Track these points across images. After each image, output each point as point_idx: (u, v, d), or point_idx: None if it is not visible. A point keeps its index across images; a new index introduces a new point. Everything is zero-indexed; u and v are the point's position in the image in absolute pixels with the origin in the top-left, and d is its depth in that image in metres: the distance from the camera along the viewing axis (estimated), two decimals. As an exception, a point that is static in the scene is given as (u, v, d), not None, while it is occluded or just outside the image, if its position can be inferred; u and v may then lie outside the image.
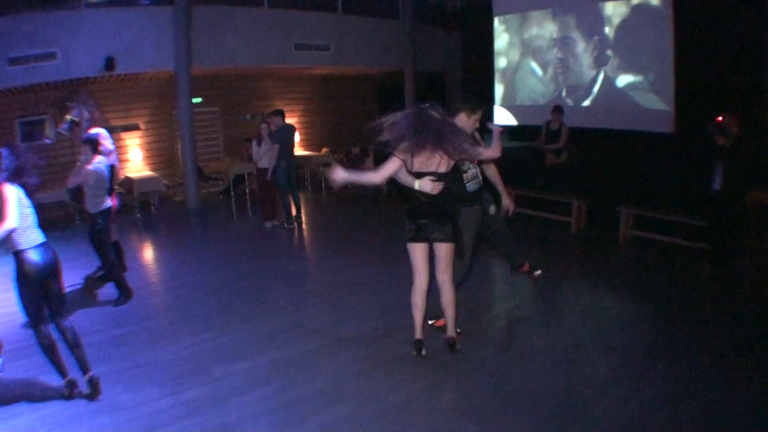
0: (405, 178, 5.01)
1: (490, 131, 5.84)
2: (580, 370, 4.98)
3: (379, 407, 4.50)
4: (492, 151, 5.50)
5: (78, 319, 6.36)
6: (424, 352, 5.25)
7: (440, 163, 4.90)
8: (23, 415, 4.59)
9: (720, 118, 7.19)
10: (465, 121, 5.38)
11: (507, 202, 6.36)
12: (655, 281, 7.25)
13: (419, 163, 4.89)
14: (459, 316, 5.59)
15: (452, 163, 4.99)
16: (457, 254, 5.49)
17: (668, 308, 6.34)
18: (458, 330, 5.56)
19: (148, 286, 8.08)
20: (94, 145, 7.10)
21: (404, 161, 4.89)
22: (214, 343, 5.85)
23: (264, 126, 10.89)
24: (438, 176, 4.92)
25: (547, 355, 5.35)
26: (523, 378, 4.89)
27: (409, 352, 5.36)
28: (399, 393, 4.71)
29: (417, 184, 4.94)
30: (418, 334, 5.31)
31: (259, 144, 10.85)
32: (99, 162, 6.97)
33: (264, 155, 10.77)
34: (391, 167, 4.90)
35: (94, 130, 7.67)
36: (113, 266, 7.28)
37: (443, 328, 5.44)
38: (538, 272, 7.09)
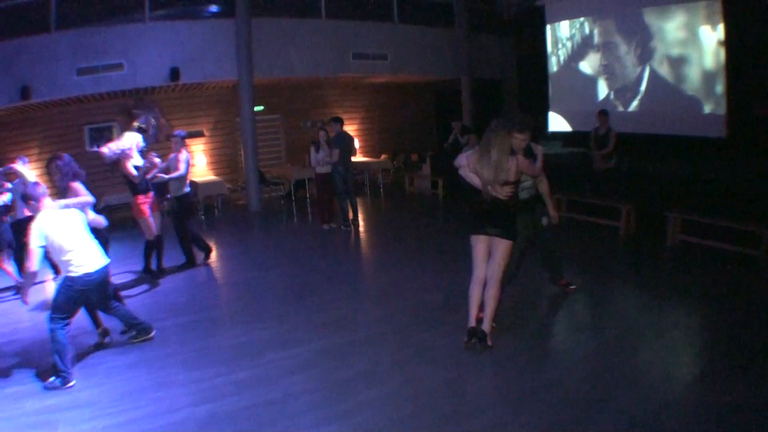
0: (474, 180, 5.39)
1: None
2: (611, 367, 5.12)
3: (414, 390, 4.82)
4: (534, 170, 5.82)
5: (143, 309, 7.03)
6: (473, 341, 5.48)
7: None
8: (87, 390, 5.16)
9: None
10: (517, 138, 5.63)
11: (554, 214, 6.44)
12: (700, 286, 7.22)
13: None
14: (498, 314, 5.79)
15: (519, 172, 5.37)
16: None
17: (709, 312, 6.39)
18: (494, 325, 5.79)
19: (209, 281, 8.72)
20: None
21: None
22: (266, 332, 6.30)
23: (322, 133, 11.26)
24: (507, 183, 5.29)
25: (581, 352, 5.54)
26: (554, 371, 5.13)
27: (448, 343, 5.68)
28: (434, 379, 5.02)
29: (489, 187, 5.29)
30: (472, 322, 5.56)
31: (317, 150, 11.24)
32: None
33: (322, 161, 11.20)
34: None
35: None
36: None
37: (480, 321, 5.66)
38: (573, 287, 7.08)
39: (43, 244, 5.17)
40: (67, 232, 5.31)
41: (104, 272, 5.57)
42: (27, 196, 5.36)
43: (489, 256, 5.50)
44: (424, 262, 8.79)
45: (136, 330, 6.11)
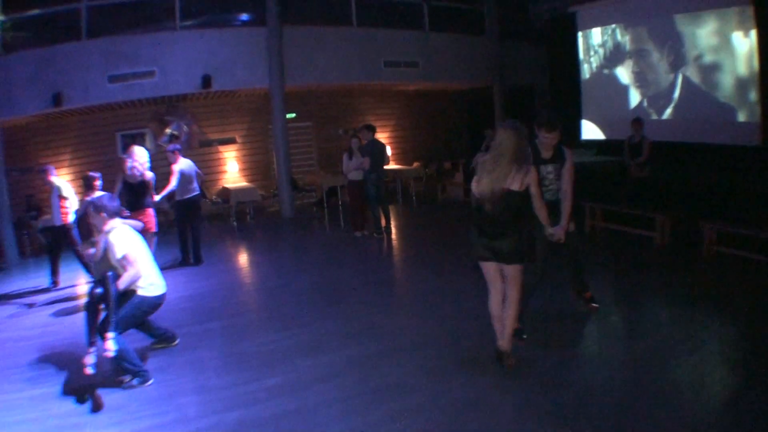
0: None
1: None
2: (643, 382, 4.95)
3: (445, 403, 4.73)
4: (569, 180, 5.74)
5: (177, 314, 7.12)
6: (505, 362, 5.25)
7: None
8: (115, 393, 5.15)
9: None
10: (546, 138, 5.59)
11: (561, 229, 5.84)
12: (734, 297, 7.01)
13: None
14: (522, 326, 5.76)
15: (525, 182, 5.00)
16: (531, 262, 5.64)
17: (745, 326, 6.21)
18: (524, 336, 5.76)
19: (241, 287, 8.75)
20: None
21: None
22: (297, 338, 6.25)
23: (355, 141, 11.26)
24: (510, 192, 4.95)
25: (613, 365, 5.37)
26: (584, 385, 4.97)
27: (480, 356, 5.55)
28: (465, 391, 4.91)
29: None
30: (499, 342, 5.32)
31: (350, 158, 11.22)
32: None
33: (354, 169, 11.19)
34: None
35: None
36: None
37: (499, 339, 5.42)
38: (596, 305, 6.67)
39: (127, 254, 5.27)
40: (143, 251, 5.45)
41: (164, 298, 5.71)
42: (100, 207, 5.44)
43: (503, 276, 5.28)
44: (457, 272, 8.64)
45: (157, 338, 6.13)
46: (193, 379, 5.34)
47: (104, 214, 5.42)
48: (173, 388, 5.18)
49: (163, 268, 8.79)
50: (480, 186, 5.02)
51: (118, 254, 5.22)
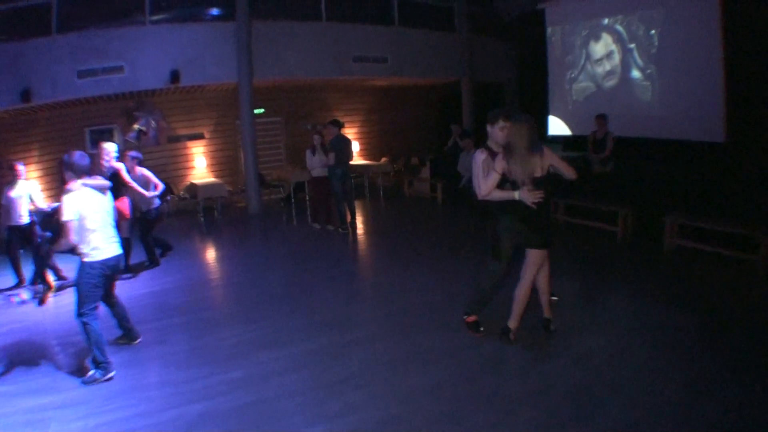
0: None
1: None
2: (601, 372, 5.15)
3: (405, 392, 4.87)
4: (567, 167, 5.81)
5: (142, 310, 7.15)
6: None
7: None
8: (80, 388, 5.24)
9: None
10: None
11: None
12: (696, 291, 7.23)
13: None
14: (476, 319, 6.02)
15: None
16: (494, 257, 5.85)
17: (704, 317, 6.39)
18: (481, 329, 6.01)
19: (207, 282, 8.79)
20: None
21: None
22: (261, 332, 6.36)
23: (317, 137, 11.39)
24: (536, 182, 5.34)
25: (575, 355, 5.53)
26: (545, 376, 5.14)
27: (441, 345, 5.76)
28: (426, 380, 5.06)
29: (517, 195, 5.35)
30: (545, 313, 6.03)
31: (313, 153, 11.34)
32: None
33: (318, 166, 11.29)
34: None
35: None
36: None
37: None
38: (555, 298, 6.71)
39: (76, 219, 5.28)
40: (96, 216, 5.43)
41: (118, 260, 5.69)
42: (68, 165, 5.44)
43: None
44: (420, 265, 8.83)
45: (125, 332, 6.18)
46: (157, 374, 5.42)
47: (70, 172, 5.42)
48: (137, 383, 5.26)
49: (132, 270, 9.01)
50: (520, 175, 5.34)
51: (62, 218, 5.24)
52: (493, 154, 5.65)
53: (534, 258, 5.59)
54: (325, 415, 4.53)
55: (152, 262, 9.49)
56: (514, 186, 5.36)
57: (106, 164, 8.22)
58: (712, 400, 4.54)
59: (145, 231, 9.34)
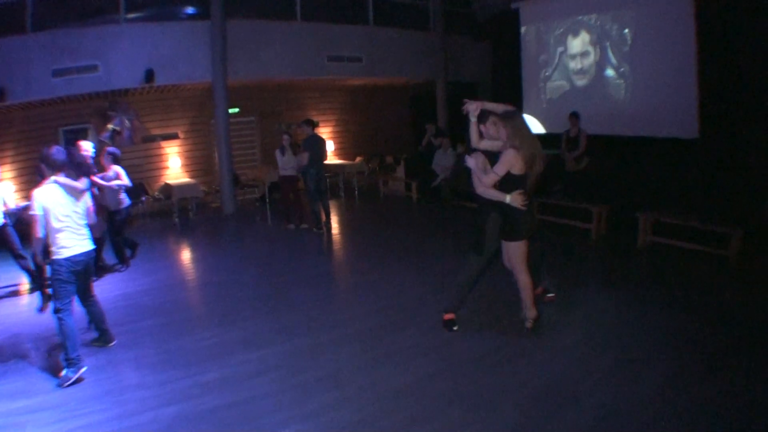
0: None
1: None
2: (576, 367, 5.26)
3: (379, 392, 4.92)
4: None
5: (116, 312, 7.12)
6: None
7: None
8: (56, 392, 5.21)
9: None
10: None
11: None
12: (668, 285, 7.40)
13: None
14: (453, 317, 6.16)
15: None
16: (476, 251, 6.08)
17: (679, 312, 6.53)
18: (455, 328, 6.14)
19: (181, 283, 8.77)
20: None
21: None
22: (235, 333, 6.38)
23: (286, 137, 11.46)
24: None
25: (548, 352, 5.64)
26: (520, 372, 5.23)
27: (416, 345, 5.84)
28: (400, 380, 5.12)
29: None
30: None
31: (282, 154, 11.37)
32: None
33: (288, 165, 11.36)
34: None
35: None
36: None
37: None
38: (551, 295, 7.02)
39: (40, 213, 5.31)
40: (64, 214, 5.43)
41: (88, 256, 5.68)
42: (43, 158, 5.49)
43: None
44: (395, 265, 8.89)
45: (100, 333, 6.18)
46: (131, 376, 5.42)
47: (45, 166, 5.46)
48: (112, 386, 5.25)
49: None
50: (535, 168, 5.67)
51: (32, 211, 5.31)
52: (487, 154, 5.90)
53: (518, 250, 5.82)
54: (299, 416, 4.56)
55: (122, 264, 9.46)
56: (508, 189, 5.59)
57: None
58: (687, 394, 4.65)
59: (114, 232, 9.28)
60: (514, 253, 5.83)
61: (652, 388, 4.79)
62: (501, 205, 5.71)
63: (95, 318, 6.09)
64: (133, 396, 5.01)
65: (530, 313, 5.98)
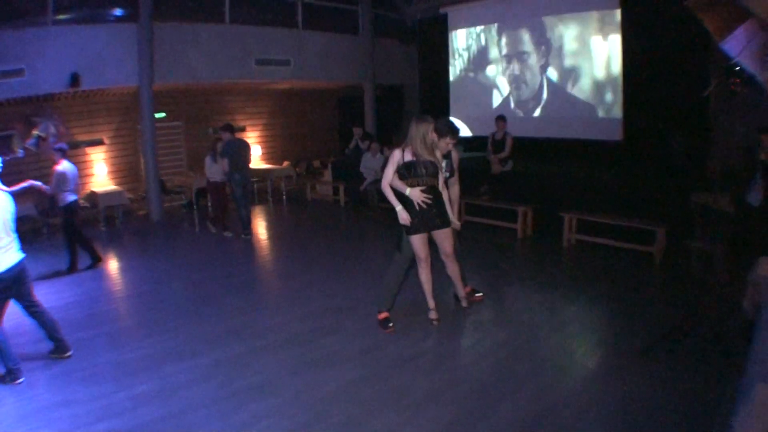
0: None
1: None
2: (506, 365, 5.51)
3: (311, 398, 5.03)
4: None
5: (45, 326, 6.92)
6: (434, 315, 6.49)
7: None
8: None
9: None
10: (448, 143, 6.35)
11: (457, 222, 6.68)
12: (594, 281, 7.86)
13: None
14: (388, 316, 6.35)
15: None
16: (398, 250, 6.43)
17: (605, 307, 6.89)
18: (390, 324, 6.41)
19: (110, 294, 8.65)
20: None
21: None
22: (165, 344, 6.36)
23: (220, 144, 11.45)
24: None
25: (477, 352, 5.91)
26: (451, 371, 5.46)
27: (347, 348, 6.01)
28: (333, 385, 5.25)
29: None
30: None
31: (214, 159, 11.42)
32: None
33: (217, 170, 11.42)
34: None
35: None
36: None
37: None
38: (479, 294, 7.30)
39: None
40: None
41: (16, 270, 5.59)
42: None
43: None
44: (324, 268, 9.05)
45: (56, 344, 6.09)
46: (61, 393, 5.33)
47: None
48: (41, 403, 5.16)
49: (47, 277, 8.98)
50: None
51: None
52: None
53: (444, 237, 6.28)
54: (232, 426, 4.62)
55: (70, 269, 9.42)
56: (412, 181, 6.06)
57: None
58: (613, 386, 4.96)
59: (69, 231, 9.34)
60: (439, 239, 6.30)
61: (579, 383, 5.11)
62: (404, 198, 6.12)
63: (46, 327, 5.98)
64: (65, 413, 4.94)
65: (461, 292, 6.79)
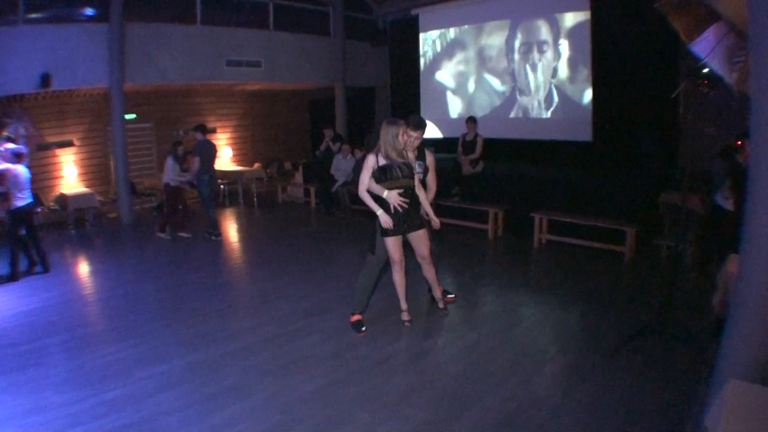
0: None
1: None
2: (479, 365, 5.61)
3: (285, 401, 5.06)
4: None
5: (14, 332, 6.96)
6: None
7: None
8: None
9: (739, 143, 6.94)
10: (411, 136, 6.30)
11: (436, 221, 6.70)
12: (565, 281, 8.02)
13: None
14: (360, 319, 6.43)
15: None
16: (370, 251, 6.50)
17: (574, 305, 7.03)
18: (363, 329, 6.48)
19: (80, 298, 8.52)
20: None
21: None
22: (137, 348, 6.34)
23: (181, 148, 11.57)
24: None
25: (450, 352, 5.99)
26: (425, 372, 5.53)
27: (320, 351, 6.05)
28: (305, 387, 5.28)
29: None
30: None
31: (176, 162, 11.46)
32: None
33: (177, 175, 11.50)
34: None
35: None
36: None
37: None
38: (451, 296, 7.45)
39: None
40: None
41: None
42: None
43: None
44: (296, 270, 9.07)
45: None
46: (32, 399, 5.28)
47: None
48: (13, 410, 5.11)
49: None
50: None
51: None
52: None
53: (419, 239, 6.37)
54: (207, 430, 4.64)
55: (10, 277, 9.23)
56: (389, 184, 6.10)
57: None
58: (586, 384, 5.07)
59: (14, 230, 9.25)
60: (415, 241, 6.40)
61: (553, 381, 5.22)
62: (380, 201, 6.17)
63: None
64: (37, 419, 4.92)
65: (437, 293, 6.97)
